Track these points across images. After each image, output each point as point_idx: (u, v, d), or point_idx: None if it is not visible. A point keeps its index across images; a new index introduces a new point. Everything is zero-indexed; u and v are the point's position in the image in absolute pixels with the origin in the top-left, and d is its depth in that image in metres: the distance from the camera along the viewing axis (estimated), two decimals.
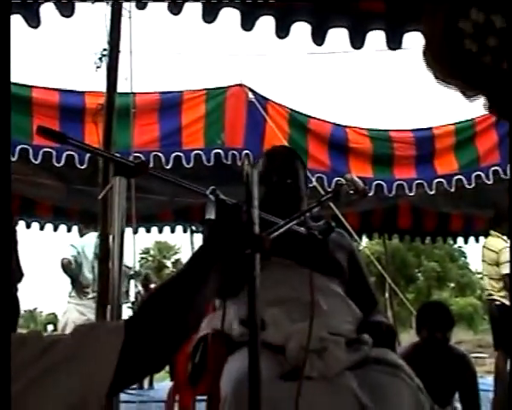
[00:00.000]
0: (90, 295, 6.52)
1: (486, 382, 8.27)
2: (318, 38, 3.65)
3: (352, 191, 2.32)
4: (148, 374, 1.48)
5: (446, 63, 2.50)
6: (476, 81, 2.31)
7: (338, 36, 3.67)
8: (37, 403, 1.08)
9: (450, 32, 2.39)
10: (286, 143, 5.65)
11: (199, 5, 3.53)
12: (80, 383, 1.12)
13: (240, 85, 6.31)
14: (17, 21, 3.44)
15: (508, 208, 4.11)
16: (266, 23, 3.62)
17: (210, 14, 3.56)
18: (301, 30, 3.64)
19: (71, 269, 6.64)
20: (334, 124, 6.88)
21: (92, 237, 6.44)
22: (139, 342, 1.23)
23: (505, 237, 7.01)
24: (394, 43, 3.66)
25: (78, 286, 6.66)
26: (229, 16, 3.61)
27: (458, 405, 4.19)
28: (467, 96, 2.62)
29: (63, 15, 3.57)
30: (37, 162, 5.68)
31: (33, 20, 3.50)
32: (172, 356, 1.37)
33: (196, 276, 1.38)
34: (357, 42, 3.67)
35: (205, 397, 2.62)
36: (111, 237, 2.11)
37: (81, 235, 6.92)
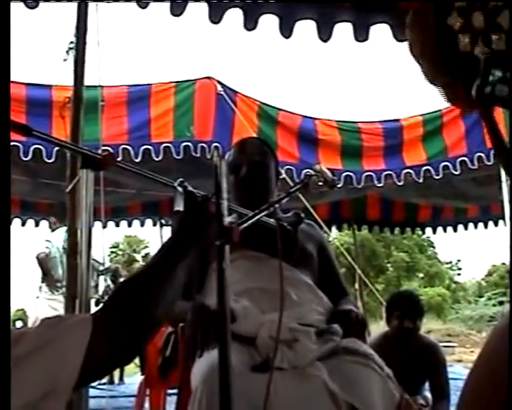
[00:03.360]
0: (61, 290, 6.48)
1: (455, 371, 8.39)
2: (286, 30, 3.65)
3: (320, 182, 2.33)
4: (117, 366, 1.47)
5: (438, 62, 2.50)
6: (463, 73, 2.31)
7: (306, 28, 3.67)
8: None
9: (441, 30, 2.40)
10: (255, 136, 5.65)
11: None
12: (46, 376, 1.11)
13: (208, 78, 6.29)
14: None
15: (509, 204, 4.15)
16: (234, 15, 3.62)
17: (178, 8, 3.55)
18: (269, 22, 3.65)
19: (46, 264, 6.60)
20: (303, 116, 6.90)
21: (61, 232, 6.39)
22: (107, 333, 1.22)
23: None
24: (361, 35, 3.67)
25: (51, 280, 6.61)
26: (197, 8, 3.60)
27: (428, 394, 4.24)
28: (448, 98, 2.63)
29: (28, 7, 3.52)
30: None
31: None
32: (141, 348, 1.36)
33: (165, 267, 1.39)
34: (324, 34, 3.68)
35: (175, 391, 2.62)
36: (79, 231, 2.10)
37: (52, 230, 6.86)
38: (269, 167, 2.72)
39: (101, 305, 1.34)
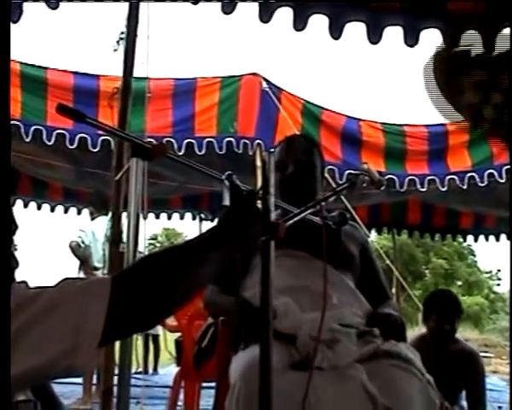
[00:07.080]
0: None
1: (491, 381, 8.27)
2: (335, 31, 3.63)
3: (367, 182, 2.31)
4: (138, 330, 1.50)
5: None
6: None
7: (355, 29, 3.65)
8: (27, 350, 1.09)
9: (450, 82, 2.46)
10: (301, 133, 5.63)
11: None
12: (70, 329, 1.13)
13: (254, 74, 6.28)
14: (35, 3, 3.44)
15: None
16: (283, 14, 3.61)
17: (228, 6, 3.55)
18: (318, 22, 3.63)
19: (79, 252, 6.66)
20: (347, 116, 6.86)
21: (103, 221, 6.44)
22: (125, 296, 1.23)
23: None
24: (411, 39, 3.64)
25: (88, 269, 6.67)
26: (247, 6, 3.60)
27: (465, 403, 4.15)
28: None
29: None
30: (50, 143, 5.69)
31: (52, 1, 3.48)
32: (160, 319, 1.37)
33: (196, 250, 1.38)
34: (374, 37, 3.65)
35: (211, 384, 2.63)
36: (125, 220, 2.12)
37: (92, 218, 6.93)
38: (315, 167, 2.70)
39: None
